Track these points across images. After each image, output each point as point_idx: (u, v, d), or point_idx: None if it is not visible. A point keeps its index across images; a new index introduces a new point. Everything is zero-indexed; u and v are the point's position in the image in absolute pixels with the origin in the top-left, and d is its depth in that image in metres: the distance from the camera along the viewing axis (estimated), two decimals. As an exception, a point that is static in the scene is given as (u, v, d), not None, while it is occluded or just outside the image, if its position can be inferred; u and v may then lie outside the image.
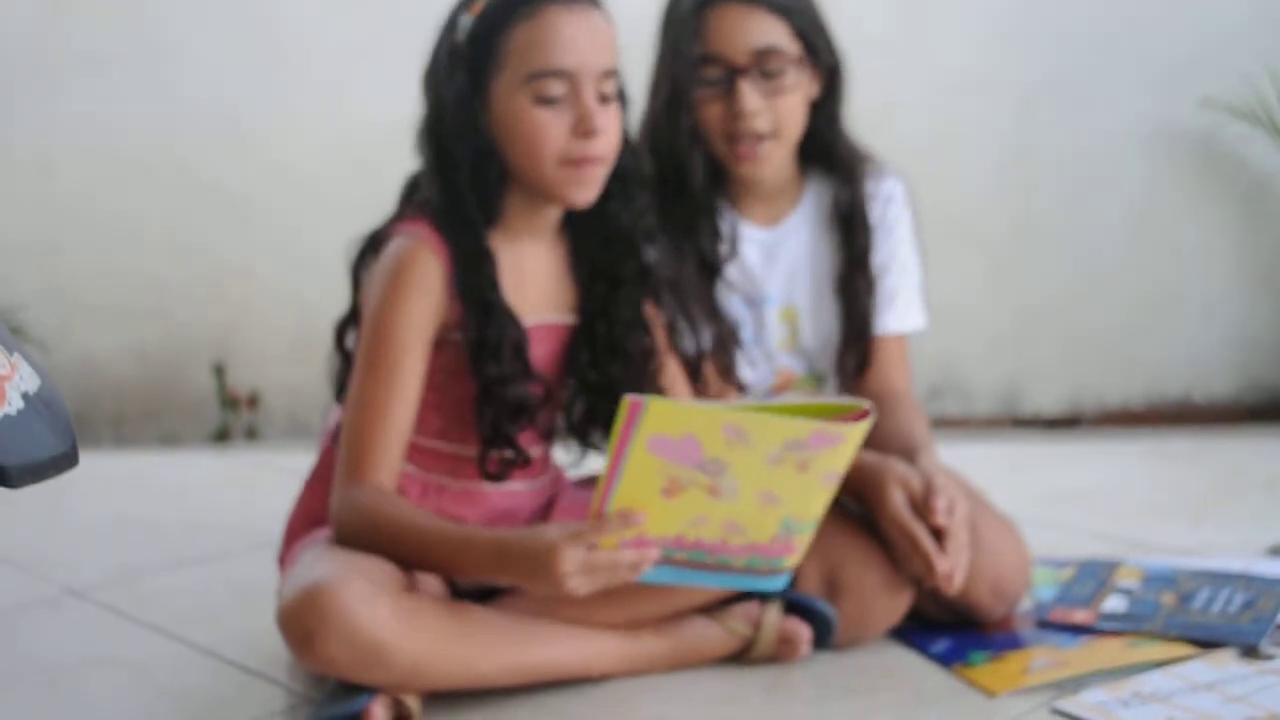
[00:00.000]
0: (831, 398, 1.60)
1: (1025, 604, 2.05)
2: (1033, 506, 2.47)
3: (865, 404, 1.57)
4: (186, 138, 3.72)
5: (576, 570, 1.59)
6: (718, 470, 1.56)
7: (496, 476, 1.85)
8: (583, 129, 1.76)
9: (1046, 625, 2.01)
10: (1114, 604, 2.05)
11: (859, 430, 1.57)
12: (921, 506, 1.88)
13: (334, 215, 3.62)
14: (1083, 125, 3.79)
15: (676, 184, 2.05)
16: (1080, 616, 2.02)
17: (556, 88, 1.76)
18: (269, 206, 3.74)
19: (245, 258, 3.77)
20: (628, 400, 1.50)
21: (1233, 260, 3.86)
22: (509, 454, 1.84)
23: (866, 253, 2.12)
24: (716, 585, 1.75)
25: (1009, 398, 3.90)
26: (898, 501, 1.88)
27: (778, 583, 1.73)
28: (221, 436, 3.75)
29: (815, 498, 1.65)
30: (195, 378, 3.78)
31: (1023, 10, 3.75)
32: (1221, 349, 3.89)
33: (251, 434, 3.76)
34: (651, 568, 1.62)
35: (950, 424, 3.80)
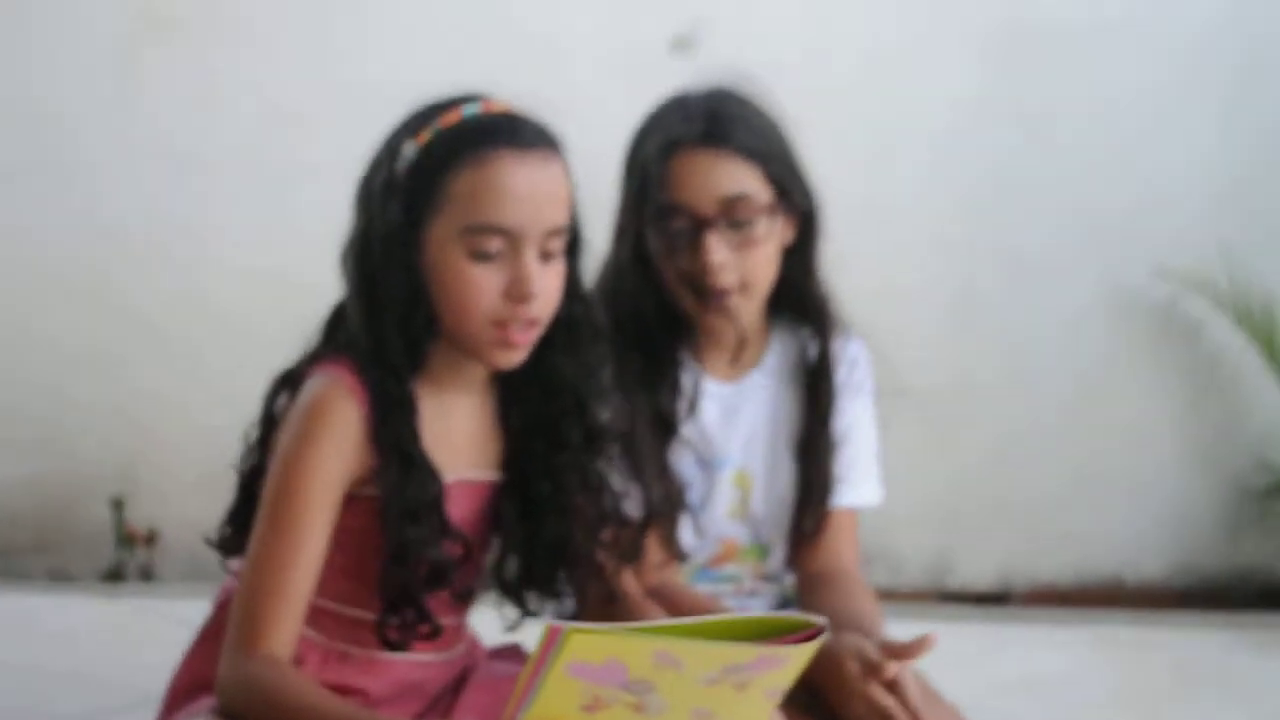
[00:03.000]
0: (785, 612, 1.44)
1: (971, 805, 1.89)
2: (975, 695, 2.33)
3: (819, 621, 1.42)
4: (103, 254, 3.57)
5: None
6: (644, 690, 1.39)
7: (397, 645, 1.67)
8: (518, 293, 1.61)
9: (997, 833, 1.85)
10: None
11: (808, 651, 1.41)
12: (881, 679, 1.72)
13: (252, 346, 3.47)
14: (1027, 294, 3.73)
15: (635, 334, 1.91)
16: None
17: (495, 244, 1.61)
18: (184, 332, 3.58)
19: (155, 383, 3.59)
20: (548, 626, 1.34)
21: (1172, 438, 3.80)
22: (411, 618, 1.66)
23: (830, 412, 1.99)
24: None
25: (938, 569, 3.79)
26: (859, 674, 1.72)
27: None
28: (115, 575, 3.54)
29: (754, 714, 1.49)
30: (91, 510, 3.57)
31: (977, 170, 3.70)
32: (1155, 529, 3.81)
33: (146, 574, 3.55)
34: None
35: (879, 594, 3.66)
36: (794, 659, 1.41)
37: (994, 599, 3.78)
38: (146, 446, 3.60)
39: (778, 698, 1.48)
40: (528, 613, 1.82)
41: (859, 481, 2.04)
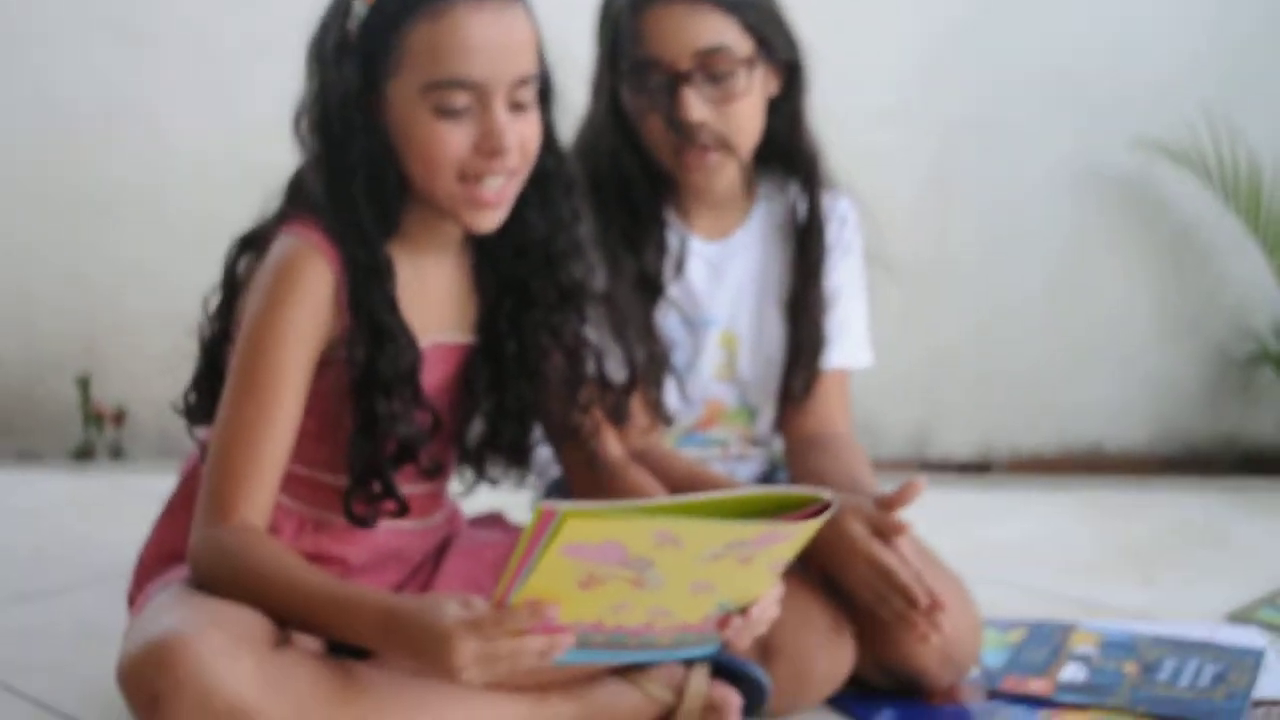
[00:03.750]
0: (791, 487, 1.37)
1: (973, 671, 1.85)
2: (965, 560, 2.28)
3: (826, 495, 1.36)
4: (52, 135, 3.44)
5: (473, 662, 1.35)
6: (643, 566, 1.33)
7: (363, 520, 1.60)
8: (489, 147, 1.53)
9: (998, 695, 1.80)
10: (1072, 673, 1.86)
11: (813, 526, 1.35)
12: (886, 535, 1.67)
13: (216, 221, 3.39)
14: (1007, 162, 3.64)
15: (617, 192, 1.83)
16: (1036, 687, 1.82)
17: (460, 99, 1.51)
18: (145, 208, 3.47)
19: (117, 261, 3.49)
20: (540, 509, 1.27)
21: (1154, 306, 3.74)
22: (378, 491, 1.59)
23: (820, 268, 1.92)
24: (641, 660, 1.52)
25: (919, 439, 3.75)
26: (862, 533, 1.66)
27: (709, 649, 1.51)
28: (84, 454, 3.46)
29: (757, 584, 1.43)
30: (57, 390, 3.49)
31: (952, 40, 3.60)
32: (1137, 397, 3.77)
33: (116, 453, 3.47)
34: (564, 653, 1.39)
35: (861, 464, 3.62)
36: (799, 534, 1.35)
37: (975, 469, 3.74)
38: (109, 325, 3.51)
39: (781, 569, 1.43)
40: (485, 479, 1.76)
41: (849, 343, 1.97)
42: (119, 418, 3.47)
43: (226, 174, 3.35)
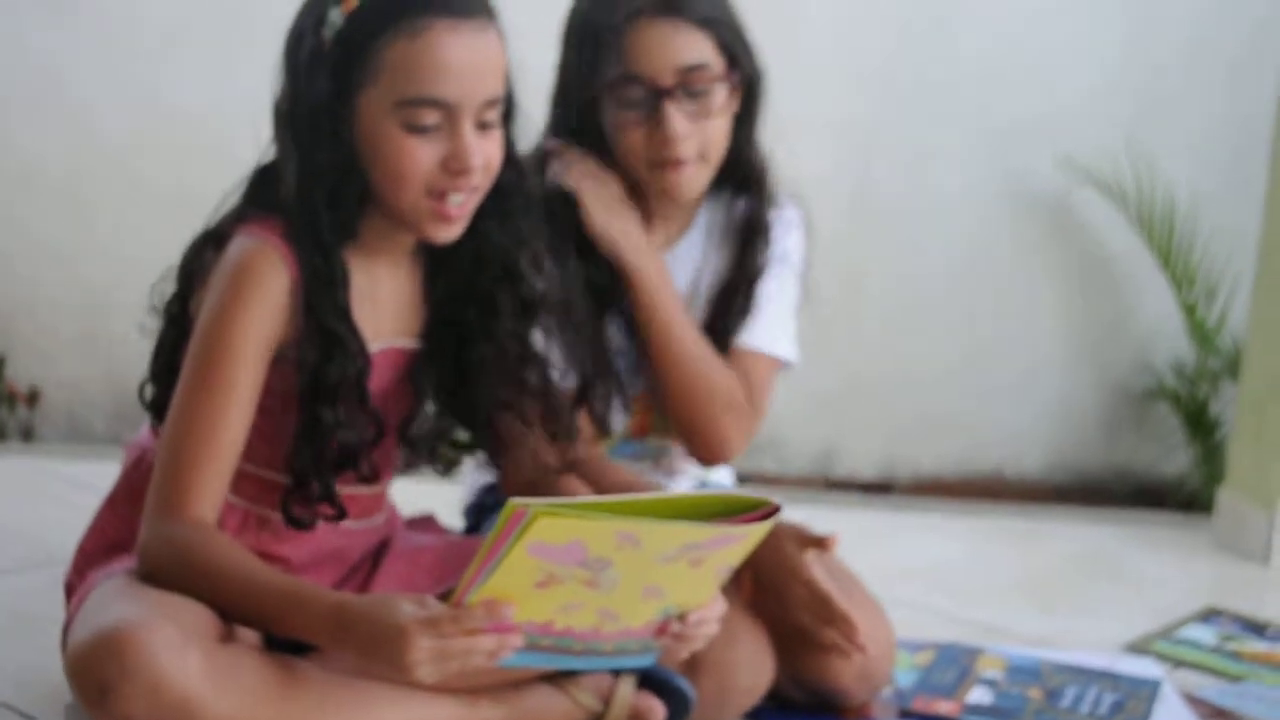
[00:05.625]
0: (739, 491, 1.42)
1: (885, 690, 1.91)
2: (871, 582, 2.35)
3: (774, 500, 1.41)
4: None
5: (427, 659, 1.39)
6: (601, 567, 1.38)
7: (299, 522, 1.63)
8: (456, 166, 1.56)
9: (909, 715, 1.87)
10: (979, 696, 1.93)
11: (762, 530, 1.41)
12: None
13: (135, 204, 3.38)
14: (923, 181, 3.71)
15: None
16: (944, 708, 1.89)
17: (431, 117, 1.55)
18: (64, 188, 3.44)
19: (34, 240, 3.46)
20: (512, 506, 1.31)
21: (1060, 336, 3.82)
22: (316, 493, 1.62)
23: (757, 274, 1.97)
24: (581, 667, 1.57)
25: (824, 458, 3.81)
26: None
27: (646, 659, 1.56)
28: (-6, 435, 3.43)
29: (703, 589, 1.49)
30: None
31: (871, 55, 3.66)
32: (1037, 425, 3.85)
33: (28, 434, 3.45)
34: (513, 654, 1.43)
35: (766, 481, 3.68)
36: (749, 537, 1.41)
37: (878, 489, 3.81)
38: (23, 304, 3.48)
39: (725, 575, 1.48)
40: (436, 468, 1.80)
41: (773, 329, 2.01)
42: (32, 398, 3.44)
43: (146, 158, 3.34)
